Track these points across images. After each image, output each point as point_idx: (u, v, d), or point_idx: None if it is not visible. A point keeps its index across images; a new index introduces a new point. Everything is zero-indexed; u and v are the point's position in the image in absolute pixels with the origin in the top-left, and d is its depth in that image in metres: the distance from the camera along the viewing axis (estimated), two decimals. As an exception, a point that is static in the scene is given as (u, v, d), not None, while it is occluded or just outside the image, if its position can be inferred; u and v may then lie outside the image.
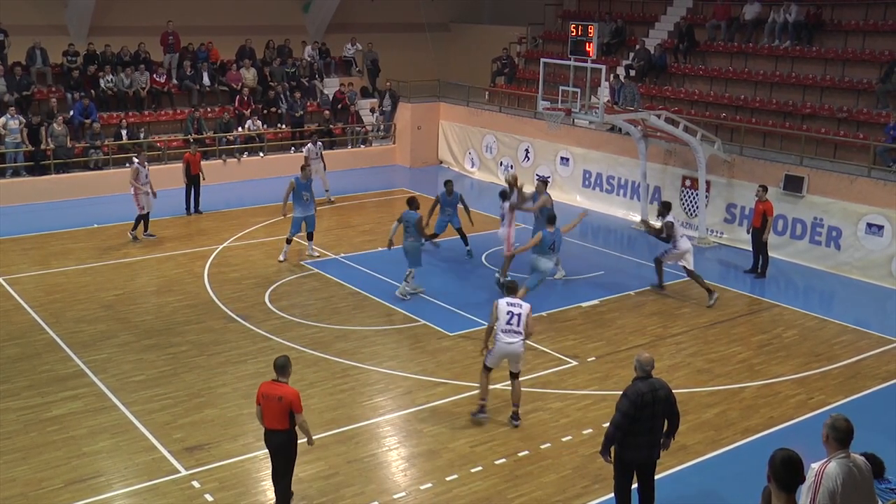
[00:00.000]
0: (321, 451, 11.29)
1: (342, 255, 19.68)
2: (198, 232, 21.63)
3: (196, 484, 10.57)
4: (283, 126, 29.09)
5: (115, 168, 25.40)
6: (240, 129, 27.96)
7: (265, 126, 28.52)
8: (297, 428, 9.59)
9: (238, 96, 28.62)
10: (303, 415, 9.54)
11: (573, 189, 25.57)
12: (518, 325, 11.76)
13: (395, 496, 10.45)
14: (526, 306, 11.92)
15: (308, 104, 29.79)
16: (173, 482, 10.62)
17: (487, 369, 12.10)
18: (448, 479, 10.80)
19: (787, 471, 6.20)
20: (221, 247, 20.22)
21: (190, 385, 13.23)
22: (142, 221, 20.66)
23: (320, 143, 24.89)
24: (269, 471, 10.07)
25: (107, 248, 20.03)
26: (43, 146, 24.52)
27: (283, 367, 9.57)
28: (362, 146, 30.27)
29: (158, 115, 27.70)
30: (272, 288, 17.41)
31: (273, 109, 29.15)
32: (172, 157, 26.16)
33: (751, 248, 19.39)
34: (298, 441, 9.75)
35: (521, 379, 12.08)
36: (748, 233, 19.74)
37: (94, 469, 10.90)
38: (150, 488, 10.51)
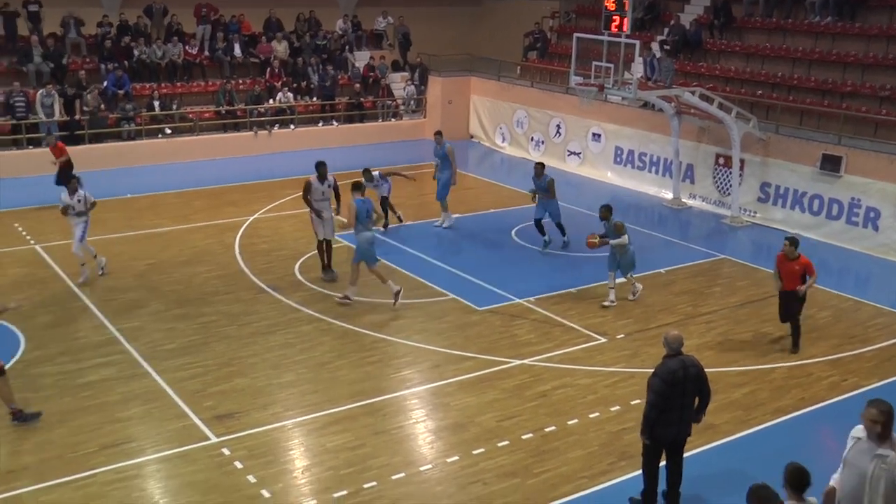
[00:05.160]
0: (349, 423, 11.37)
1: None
2: (228, 203, 21.72)
3: (226, 451, 10.67)
4: (314, 99, 29.09)
5: (147, 139, 25.63)
6: (270, 101, 28.00)
7: (296, 98, 28.53)
8: None
9: (269, 69, 28.66)
10: None
11: (604, 166, 25.40)
12: None
13: (422, 468, 10.49)
14: None
15: (339, 77, 29.75)
16: (203, 449, 10.74)
17: None
18: (475, 452, 10.82)
19: (797, 478, 6.83)
20: (252, 218, 20.30)
21: (220, 354, 13.34)
22: None
23: (82, 192, 16.13)
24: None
25: (138, 218, 20.18)
26: (77, 116, 24.72)
27: None
28: (393, 120, 30.24)
29: (190, 87, 27.81)
30: (302, 260, 17.47)
31: (304, 82, 29.15)
32: (204, 129, 26.29)
33: (778, 283, 14.16)
34: None
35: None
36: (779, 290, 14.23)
37: (127, 434, 11.05)
38: (181, 454, 10.64)
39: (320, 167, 16.32)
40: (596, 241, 15.64)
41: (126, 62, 26.89)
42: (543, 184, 18.18)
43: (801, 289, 13.65)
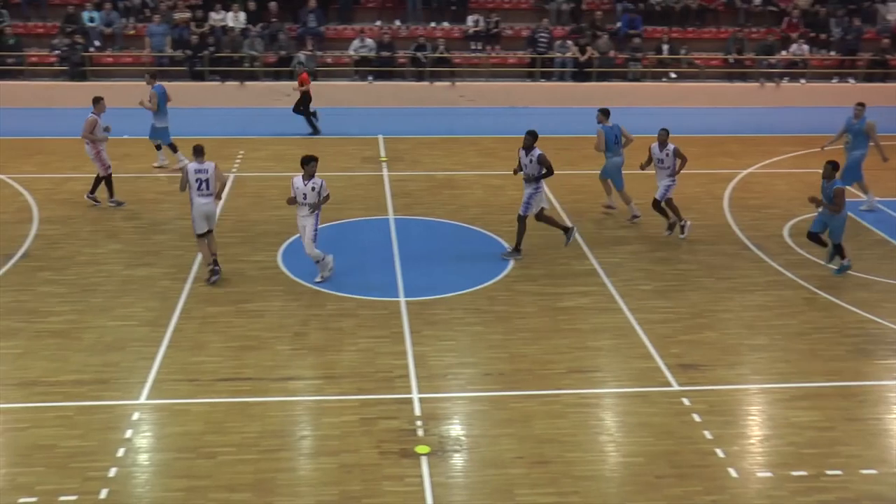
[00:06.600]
0: (819, 401, 10.65)
1: (876, 198, 17.92)
2: (724, 154, 21.22)
3: (686, 401, 10.59)
4: (832, 52, 27.14)
5: (650, 81, 26.17)
6: (783, 52, 26.67)
7: (812, 51, 26.85)
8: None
9: (787, 18, 27.26)
10: None
11: None
12: (208, 188, 13.25)
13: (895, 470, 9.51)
14: (211, 167, 13.32)
15: (864, 31, 27.37)
16: (663, 394, 10.77)
17: (198, 235, 13.52)
18: (962, 468, 9.53)
19: None
20: (746, 172, 19.65)
21: (694, 304, 13.21)
22: (103, 184, 16.48)
23: (319, 180, 13.05)
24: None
25: (634, 158, 20.41)
26: (587, 56, 25.81)
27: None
28: (923, 82, 27.15)
29: (701, 33, 27.51)
30: (793, 222, 16.53)
31: (823, 34, 27.29)
32: (708, 76, 25.98)
33: None
34: None
35: None
36: None
37: (594, 364, 11.49)
38: (641, 395, 10.79)
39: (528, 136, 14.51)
40: None
41: (642, 5, 27.35)
42: (829, 191, 13.83)
43: None
